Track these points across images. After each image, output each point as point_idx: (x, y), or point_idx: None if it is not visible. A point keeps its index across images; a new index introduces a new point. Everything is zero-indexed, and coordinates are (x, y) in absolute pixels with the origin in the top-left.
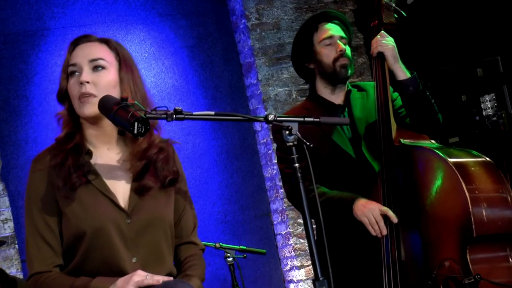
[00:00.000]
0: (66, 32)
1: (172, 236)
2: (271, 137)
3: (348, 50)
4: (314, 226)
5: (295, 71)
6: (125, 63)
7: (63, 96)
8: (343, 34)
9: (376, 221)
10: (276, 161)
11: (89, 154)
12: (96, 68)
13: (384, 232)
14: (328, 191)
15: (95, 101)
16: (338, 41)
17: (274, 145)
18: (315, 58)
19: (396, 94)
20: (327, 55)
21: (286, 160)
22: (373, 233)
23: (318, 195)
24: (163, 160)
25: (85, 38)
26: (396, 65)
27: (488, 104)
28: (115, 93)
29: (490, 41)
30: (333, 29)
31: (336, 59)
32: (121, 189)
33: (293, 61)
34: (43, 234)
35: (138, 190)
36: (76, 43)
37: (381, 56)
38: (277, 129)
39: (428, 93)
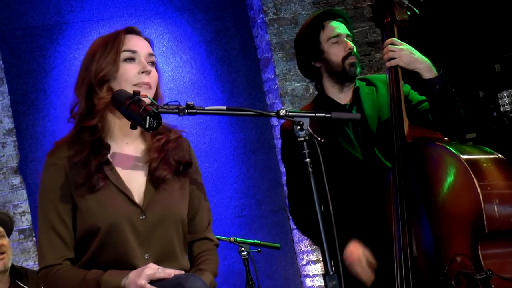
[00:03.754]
0: (84, 26)
1: (184, 233)
2: None
3: (355, 48)
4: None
5: (300, 70)
6: (158, 66)
7: (107, 79)
8: (348, 32)
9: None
10: None
11: (108, 148)
12: (151, 63)
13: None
14: None
15: (151, 92)
16: (346, 39)
17: None
18: (323, 56)
19: (408, 87)
20: (335, 53)
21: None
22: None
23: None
24: (174, 148)
25: (137, 30)
26: (417, 66)
27: (505, 100)
28: (154, 92)
29: (508, 37)
30: (339, 27)
31: (345, 58)
32: (136, 184)
33: (299, 60)
34: (56, 227)
35: (154, 183)
36: (129, 31)
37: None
38: (284, 131)
39: (453, 90)
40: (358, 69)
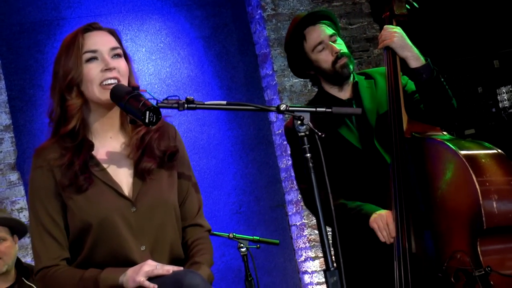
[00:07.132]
0: (81, 22)
1: (178, 219)
2: None
3: (342, 46)
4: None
5: (298, 77)
6: (127, 54)
7: (74, 84)
8: (330, 31)
9: (384, 227)
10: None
11: (91, 145)
12: (116, 56)
13: (393, 234)
14: (348, 203)
15: None
16: (330, 43)
17: None
18: (313, 66)
19: (406, 78)
20: (324, 60)
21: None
22: (382, 239)
23: (337, 207)
24: (158, 137)
25: (95, 25)
26: (406, 53)
27: (504, 96)
28: (126, 82)
29: (507, 33)
30: (320, 32)
31: (334, 62)
32: (124, 177)
33: (292, 68)
34: (49, 228)
35: (140, 175)
36: (87, 29)
37: (389, 48)
38: (288, 131)
39: (442, 79)
40: (351, 67)
